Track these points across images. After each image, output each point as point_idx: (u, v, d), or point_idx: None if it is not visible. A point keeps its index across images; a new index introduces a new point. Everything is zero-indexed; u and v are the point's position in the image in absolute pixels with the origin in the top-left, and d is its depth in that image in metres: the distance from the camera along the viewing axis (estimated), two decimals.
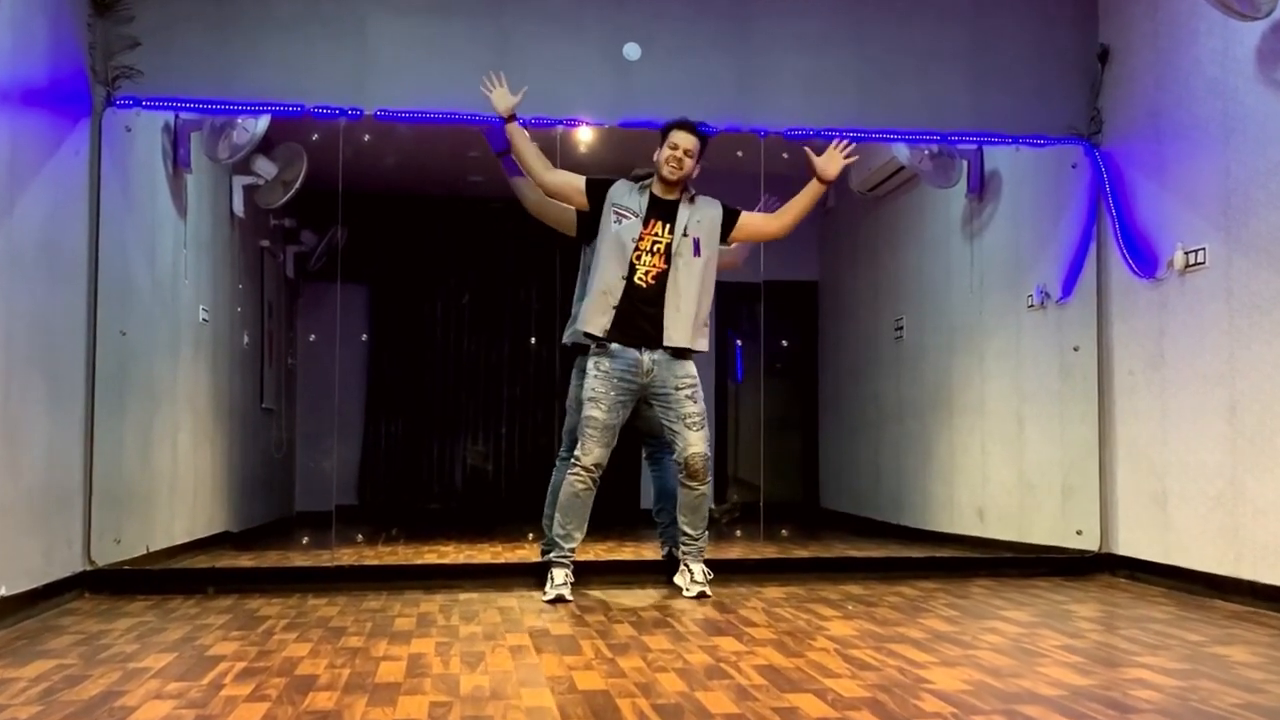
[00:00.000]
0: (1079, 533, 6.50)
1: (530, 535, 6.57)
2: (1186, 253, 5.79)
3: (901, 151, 7.41)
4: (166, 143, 6.47)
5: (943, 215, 8.02)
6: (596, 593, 5.67)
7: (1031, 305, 6.94)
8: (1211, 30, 5.61)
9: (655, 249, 5.55)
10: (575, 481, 5.54)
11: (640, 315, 5.53)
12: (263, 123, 6.50)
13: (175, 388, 6.81)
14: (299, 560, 6.64)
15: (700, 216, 5.64)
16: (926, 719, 3.17)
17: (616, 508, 8.10)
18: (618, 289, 5.52)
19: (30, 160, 4.97)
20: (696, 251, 5.58)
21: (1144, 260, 6.15)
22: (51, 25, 5.26)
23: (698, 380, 5.63)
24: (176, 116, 6.39)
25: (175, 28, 5.94)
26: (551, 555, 5.62)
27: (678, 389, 5.56)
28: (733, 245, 5.89)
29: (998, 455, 7.32)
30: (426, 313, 10.52)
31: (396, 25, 6.22)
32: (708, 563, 5.74)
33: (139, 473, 6.19)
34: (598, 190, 5.68)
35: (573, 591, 5.52)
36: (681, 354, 5.57)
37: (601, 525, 7.08)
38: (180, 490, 6.85)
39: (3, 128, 4.66)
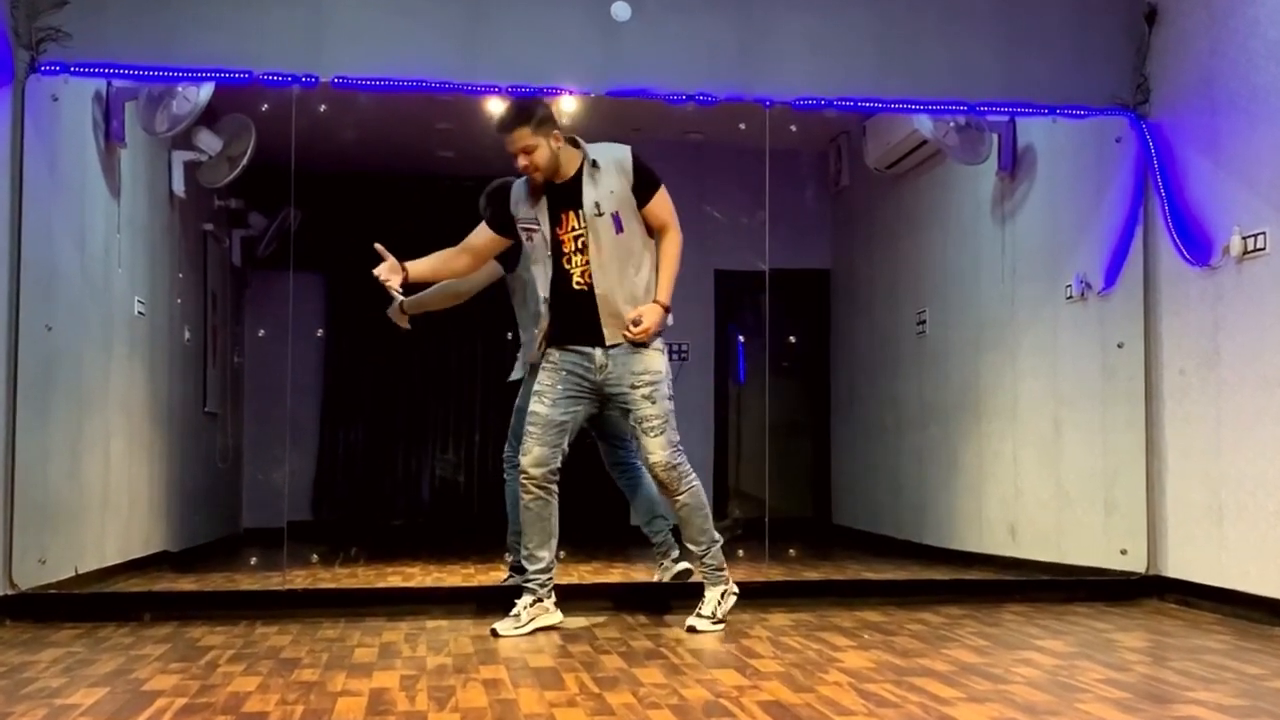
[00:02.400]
0: (1123, 552, 6.51)
1: (507, 556, 6.56)
2: (1244, 237, 5.79)
3: (924, 124, 7.41)
4: (98, 114, 6.45)
5: (970, 195, 8.03)
6: (581, 619, 5.66)
7: (1070, 297, 6.95)
8: None
9: (580, 244, 5.38)
10: (522, 492, 5.43)
11: (582, 320, 5.41)
12: (206, 91, 6.48)
13: (107, 390, 6.79)
14: (246, 583, 6.64)
15: (611, 185, 5.38)
16: None
17: (603, 525, 8.10)
18: (554, 303, 5.44)
19: None
20: (619, 228, 5.36)
21: (1197, 246, 6.16)
22: None
23: (660, 376, 5.45)
24: (109, 84, 6.37)
25: None
26: (523, 580, 5.55)
27: (634, 387, 5.41)
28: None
29: (1032, 465, 7.32)
30: (390, 305, 10.51)
31: None
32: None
33: (66, 485, 6.17)
34: (500, 216, 5.53)
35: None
36: (638, 344, 5.43)
37: (587, 545, 7.10)
38: (113, 505, 6.83)
39: None
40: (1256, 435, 5.71)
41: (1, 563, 5.60)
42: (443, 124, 8.14)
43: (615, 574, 6.96)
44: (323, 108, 6.49)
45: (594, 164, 5.39)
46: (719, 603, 5.52)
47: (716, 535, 5.61)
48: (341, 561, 7.58)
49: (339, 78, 6.11)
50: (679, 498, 5.50)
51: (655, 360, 5.47)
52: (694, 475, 5.53)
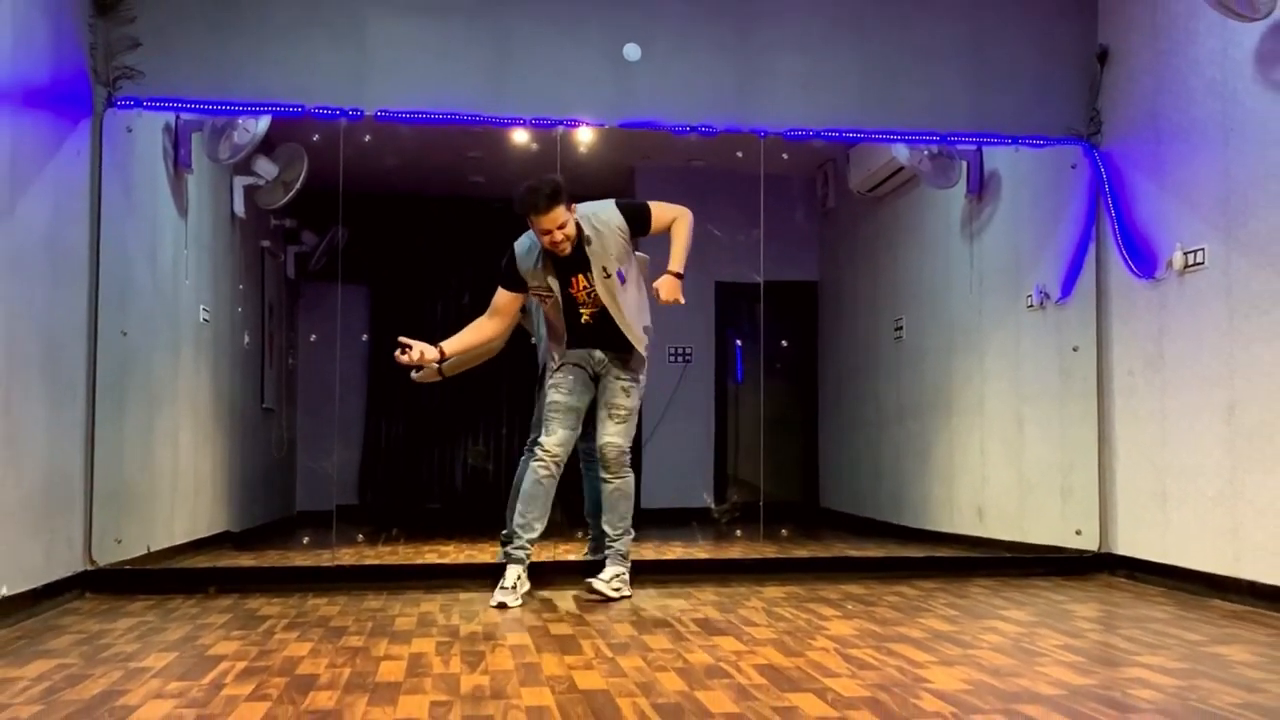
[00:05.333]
0: (1078, 533, 6.50)
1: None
2: (1186, 253, 5.79)
3: (901, 152, 7.41)
4: (167, 143, 6.46)
5: (942, 215, 8.02)
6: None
7: (1031, 305, 6.94)
8: (1211, 31, 5.61)
9: (590, 299, 5.48)
10: (538, 467, 5.50)
11: (590, 340, 5.56)
12: (263, 123, 6.50)
13: (176, 388, 6.81)
14: (299, 560, 6.63)
15: (613, 249, 5.44)
16: (926, 718, 3.17)
17: None
18: (571, 331, 5.57)
19: (32, 161, 4.98)
20: (622, 280, 5.48)
21: (1143, 260, 6.15)
22: (53, 25, 5.26)
23: (639, 381, 5.63)
24: (177, 117, 6.39)
25: (176, 28, 5.95)
26: (508, 548, 5.57)
27: (617, 379, 5.57)
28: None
29: (997, 455, 7.32)
30: (427, 313, 10.51)
31: (397, 26, 6.22)
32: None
33: (140, 473, 6.19)
34: (513, 280, 5.56)
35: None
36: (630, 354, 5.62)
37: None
38: (181, 490, 6.85)
39: (4, 128, 4.67)
40: (1196, 429, 5.70)
41: (82, 542, 5.61)
42: (474, 152, 8.15)
43: None
44: (367, 137, 6.50)
45: (588, 240, 5.40)
46: (616, 576, 5.56)
47: (631, 529, 5.69)
48: (384, 540, 7.58)
49: (382, 111, 6.12)
50: (615, 482, 5.60)
51: (641, 364, 5.65)
52: (631, 471, 5.65)
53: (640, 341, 5.57)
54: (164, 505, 6.57)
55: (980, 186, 7.44)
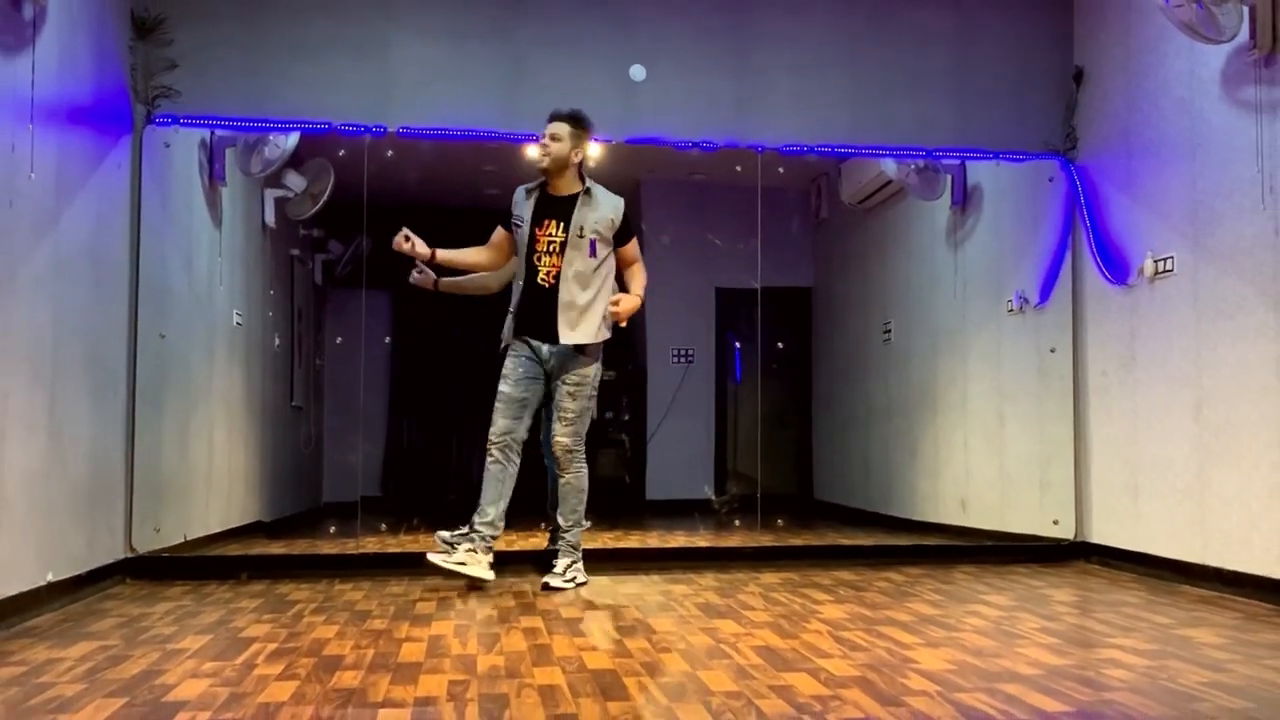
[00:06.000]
0: (1055, 523, 6.50)
1: (542, 524, 6.57)
2: (1156, 261, 5.79)
3: (890, 166, 7.41)
4: (203, 158, 6.48)
5: (928, 226, 8.02)
6: (604, 579, 5.67)
7: (1011, 310, 6.94)
8: (1179, 53, 5.62)
9: (551, 249, 5.38)
10: (487, 458, 5.44)
11: (538, 314, 5.41)
12: (293, 139, 6.51)
13: (211, 387, 6.82)
14: (327, 548, 6.64)
15: (600, 215, 5.40)
16: (913, 696, 3.18)
17: (623, 498, 8.09)
18: (521, 292, 5.45)
19: (76, 174, 4.99)
20: (593, 252, 5.36)
21: (1116, 268, 6.15)
22: (95, 48, 5.28)
23: (587, 379, 5.46)
24: (212, 133, 6.41)
25: (211, 50, 5.97)
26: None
27: (563, 383, 5.45)
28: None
29: (979, 450, 7.31)
30: (445, 317, 10.52)
31: (418, 49, 6.24)
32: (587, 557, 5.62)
33: (177, 466, 6.19)
34: (507, 214, 5.56)
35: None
36: (578, 350, 5.43)
37: (608, 515, 7.08)
38: (216, 482, 6.86)
39: (50, 144, 4.68)
40: (1165, 426, 5.70)
41: (123, 531, 5.63)
42: (489, 166, 8.14)
43: (633, 540, 6.96)
44: (390, 152, 6.50)
45: (588, 192, 5.39)
46: (569, 567, 5.47)
47: (585, 521, 5.60)
48: (406, 530, 7.58)
49: (403, 128, 6.14)
50: (565, 476, 5.52)
51: (587, 367, 5.48)
52: (584, 467, 5.54)
53: (575, 331, 5.36)
54: (200, 496, 6.58)
55: (964, 198, 7.43)
